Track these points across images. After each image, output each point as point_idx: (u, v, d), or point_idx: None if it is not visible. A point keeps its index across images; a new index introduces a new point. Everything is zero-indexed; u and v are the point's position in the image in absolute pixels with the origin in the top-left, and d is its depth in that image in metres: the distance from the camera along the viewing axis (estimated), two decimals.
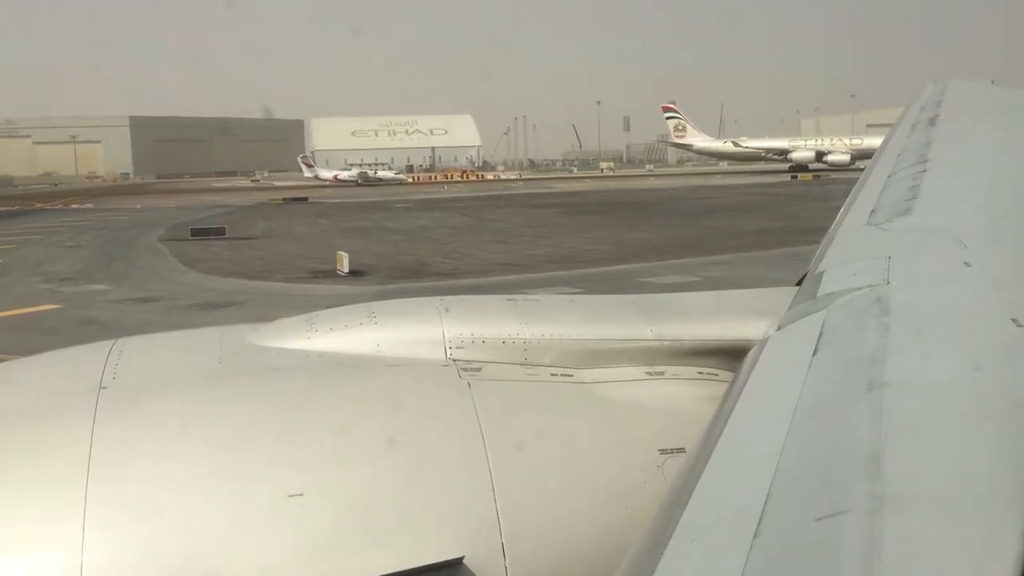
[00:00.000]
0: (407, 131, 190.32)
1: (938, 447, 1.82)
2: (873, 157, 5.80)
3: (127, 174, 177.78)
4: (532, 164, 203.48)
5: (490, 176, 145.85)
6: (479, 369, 3.03)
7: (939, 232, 3.47)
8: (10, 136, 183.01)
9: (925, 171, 4.56)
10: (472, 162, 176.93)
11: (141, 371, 2.95)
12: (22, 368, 3.28)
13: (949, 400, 2.03)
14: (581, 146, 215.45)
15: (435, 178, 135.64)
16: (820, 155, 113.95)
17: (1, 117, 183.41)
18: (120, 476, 2.54)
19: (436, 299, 3.33)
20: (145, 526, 2.50)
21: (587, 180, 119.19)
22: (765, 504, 1.71)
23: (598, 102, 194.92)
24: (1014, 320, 2.32)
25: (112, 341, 3.13)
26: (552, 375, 3.09)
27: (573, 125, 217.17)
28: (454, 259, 35.44)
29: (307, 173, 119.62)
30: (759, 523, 1.66)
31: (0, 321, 23.67)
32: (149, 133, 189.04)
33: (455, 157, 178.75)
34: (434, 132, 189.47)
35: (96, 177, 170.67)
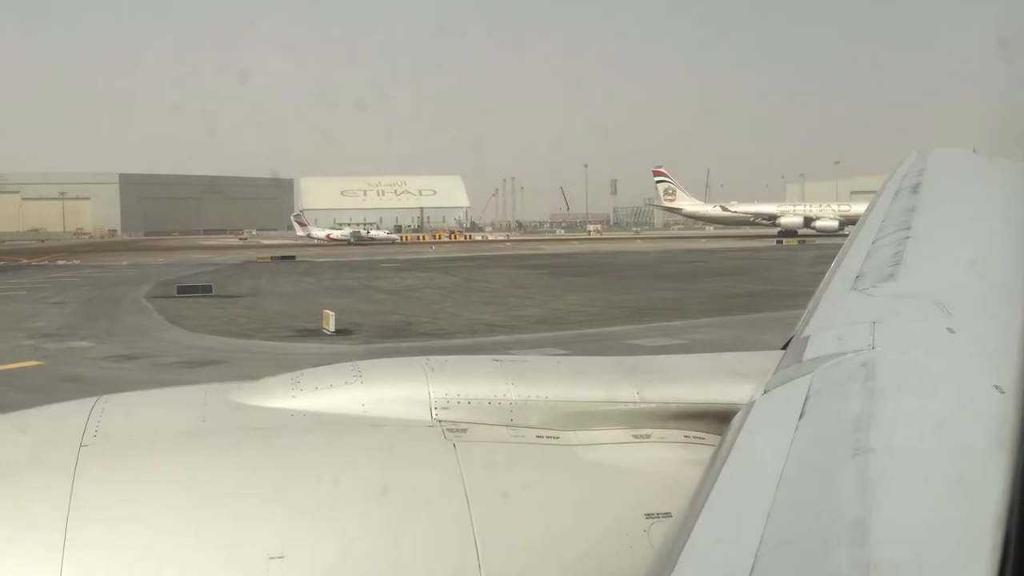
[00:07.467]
0: (396, 191, 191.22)
1: (922, 513, 1.82)
2: (857, 223, 5.87)
3: (115, 231, 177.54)
4: (520, 225, 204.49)
5: (478, 237, 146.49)
6: (464, 430, 3.01)
7: (923, 298, 3.50)
8: None
9: (908, 237, 4.62)
10: (460, 223, 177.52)
11: (123, 429, 2.91)
12: (2, 425, 3.24)
13: (933, 466, 2.03)
14: (569, 208, 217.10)
15: (423, 238, 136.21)
16: (808, 220, 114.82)
17: None
18: (98, 537, 2.50)
19: (422, 359, 3.32)
20: None
21: (574, 242, 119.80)
22: (752, 570, 1.70)
23: (585, 165, 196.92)
24: (996, 387, 2.33)
25: (95, 398, 3.10)
26: (538, 437, 3.07)
27: (561, 188, 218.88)
28: (440, 319, 35.37)
29: (300, 232, 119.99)
30: None
31: None
32: (138, 190, 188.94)
33: (443, 217, 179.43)
34: (423, 192, 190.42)
35: (84, 233, 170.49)
